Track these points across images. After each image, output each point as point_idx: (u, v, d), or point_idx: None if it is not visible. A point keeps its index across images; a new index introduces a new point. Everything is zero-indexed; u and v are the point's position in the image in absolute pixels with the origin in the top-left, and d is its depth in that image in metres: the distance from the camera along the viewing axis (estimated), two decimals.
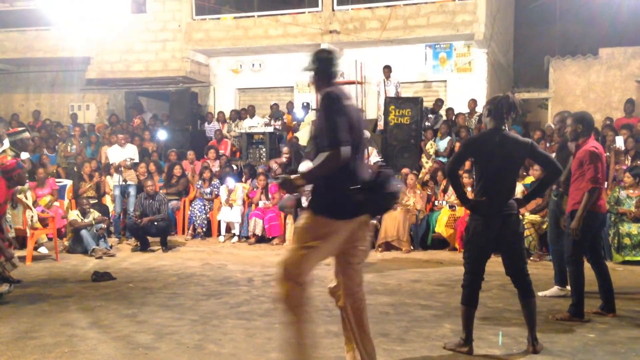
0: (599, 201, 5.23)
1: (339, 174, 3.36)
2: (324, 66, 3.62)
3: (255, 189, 10.80)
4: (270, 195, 10.63)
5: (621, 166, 9.13)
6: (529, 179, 9.05)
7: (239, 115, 13.85)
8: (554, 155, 6.25)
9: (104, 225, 9.53)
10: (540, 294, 5.84)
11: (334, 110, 3.37)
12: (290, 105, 13.71)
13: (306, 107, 13.58)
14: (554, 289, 6.11)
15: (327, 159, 3.29)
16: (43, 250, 9.25)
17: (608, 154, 8.84)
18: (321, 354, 4.33)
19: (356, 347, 3.68)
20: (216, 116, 14.16)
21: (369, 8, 13.15)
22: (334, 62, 3.64)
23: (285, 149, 8.12)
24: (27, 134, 10.60)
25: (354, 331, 3.66)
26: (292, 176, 3.43)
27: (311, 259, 3.40)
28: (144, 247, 9.63)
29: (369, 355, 3.67)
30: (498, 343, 4.55)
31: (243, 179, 11.40)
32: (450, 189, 9.59)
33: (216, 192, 10.90)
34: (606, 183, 8.54)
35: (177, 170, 11.25)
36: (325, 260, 3.60)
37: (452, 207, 9.42)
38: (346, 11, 13.30)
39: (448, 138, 11.40)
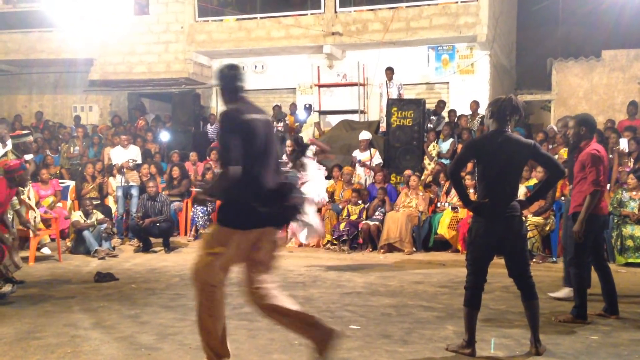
0: (600, 203, 5.24)
1: (241, 186, 3.56)
2: (227, 82, 3.78)
3: None
4: None
5: (624, 168, 9.12)
6: (532, 181, 9.04)
7: None
8: (557, 156, 6.25)
9: (109, 226, 9.55)
10: (551, 295, 5.75)
11: (227, 130, 3.61)
12: (293, 106, 13.73)
13: (308, 108, 13.59)
14: (567, 290, 5.94)
15: (219, 177, 3.62)
16: (46, 250, 9.27)
17: (611, 156, 8.84)
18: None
19: (304, 335, 3.77)
20: (219, 117, 14.15)
21: (372, 10, 13.15)
22: (238, 78, 3.79)
23: (288, 142, 8.22)
24: (30, 138, 10.63)
25: (290, 325, 3.77)
26: (197, 190, 3.85)
27: (217, 264, 3.66)
28: (146, 248, 9.64)
29: (321, 326, 3.72)
30: (500, 345, 4.54)
31: None
32: (453, 190, 9.59)
33: None
34: (609, 185, 8.53)
35: (174, 172, 11.28)
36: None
37: (454, 208, 9.41)
38: (349, 13, 13.30)
39: (450, 140, 11.38)
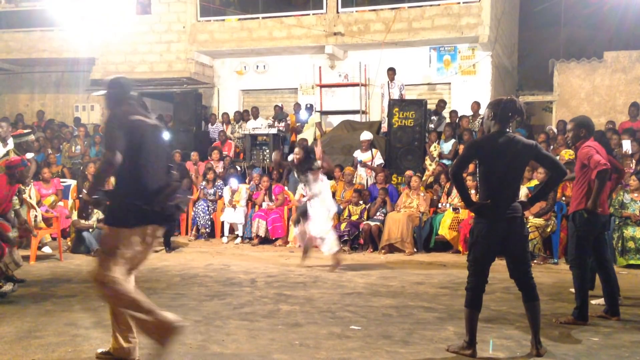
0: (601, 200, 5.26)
1: (126, 185, 3.82)
2: (114, 89, 4.10)
3: (255, 191, 10.83)
4: (273, 197, 10.64)
5: (627, 170, 9.10)
6: (534, 182, 9.04)
7: (242, 116, 13.86)
8: (557, 157, 6.23)
9: None
10: (593, 302, 5.56)
11: (112, 126, 3.87)
12: (297, 106, 13.72)
13: (310, 108, 13.59)
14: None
15: (100, 164, 3.92)
16: (47, 249, 9.27)
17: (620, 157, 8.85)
18: (324, 355, 4.33)
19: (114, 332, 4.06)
20: (220, 117, 14.18)
21: (374, 10, 13.15)
22: (125, 86, 4.11)
23: (297, 150, 8.17)
24: (32, 137, 10.62)
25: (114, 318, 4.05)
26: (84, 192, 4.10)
27: (113, 263, 3.82)
28: None
29: (132, 349, 4.08)
30: (501, 346, 4.54)
31: (247, 180, 11.41)
32: (454, 191, 9.58)
33: (220, 193, 10.92)
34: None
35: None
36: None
37: (455, 209, 9.41)
38: (350, 13, 13.30)
39: (452, 140, 11.38)
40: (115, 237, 3.84)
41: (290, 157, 8.28)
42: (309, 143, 10.99)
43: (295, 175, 8.29)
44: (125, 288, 3.84)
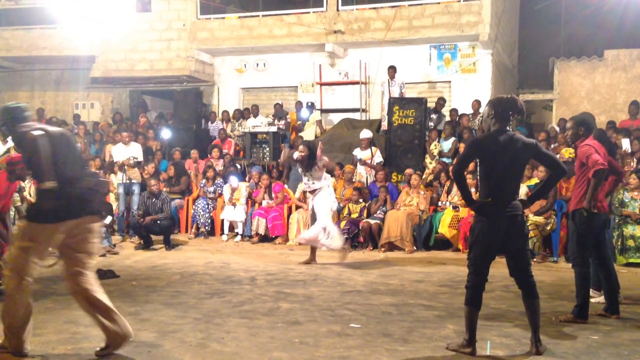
0: (601, 202, 5.25)
1: (47, 189, 4.05)
2: (6, 117, 4.36)
3: (254, 188, 10.83)
4: (273, 195, 10.64)
5: (629, 168, 9.10)
6: (534, 180, 9.03)
7: (242, 114, 13.86)
8: (558, 156, 6.21)
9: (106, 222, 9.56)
10: (593, 300, 5.56)
11: (25, 140, 4.11)
12: (299, 104, 13.72)
13: (311, 106, 13.58)
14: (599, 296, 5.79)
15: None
16: None
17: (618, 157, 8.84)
18: (323, 353, 4.33)
19: (99, 325, 4.20)
20: (220, 115, 14.17)
21: (374, 8, 13.13)
22: (16, 111, 4.36)
23: (301, 147, 8.21)
24: None
25: (91, 312, 4.24)
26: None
27: (25, 256, 4.07)
28: (147, 245, 9.65)
29: (121, 326, 4.19)
30: (500, 344, 4.54)
31: (246, 178, 11.41)
32: (454, 189, 9.59)
33: (219, 191, 10.91)
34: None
35: (170, 171, 11.36)
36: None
37: (455, 207, 9.41)
38: (351, 11, 13.29)
39: (452, 139, 11.38)
40: (35, 232, 4.06)
41: (295, 155, 8.31)
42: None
43: (300, 171, 8.37)
44: (20, 294, 4.05)
